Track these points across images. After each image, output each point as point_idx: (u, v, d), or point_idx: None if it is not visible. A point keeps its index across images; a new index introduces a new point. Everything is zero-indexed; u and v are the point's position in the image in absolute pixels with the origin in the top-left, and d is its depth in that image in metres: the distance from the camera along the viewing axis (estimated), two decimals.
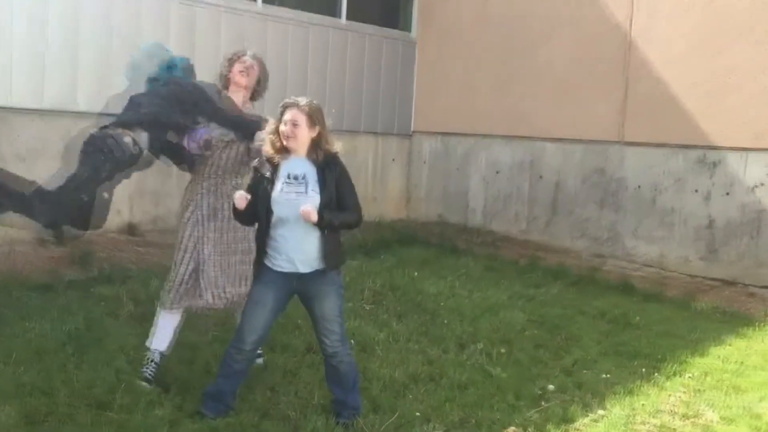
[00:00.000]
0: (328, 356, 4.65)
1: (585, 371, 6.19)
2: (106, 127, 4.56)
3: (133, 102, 4.66)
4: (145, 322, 6.16)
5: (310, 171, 4.46)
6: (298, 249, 4.47)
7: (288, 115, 4.43)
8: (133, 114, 4.57)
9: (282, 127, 4.44)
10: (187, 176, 5.27)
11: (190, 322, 6.24)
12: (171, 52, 4.99)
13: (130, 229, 9.55)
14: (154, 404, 4.74)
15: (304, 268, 4.49)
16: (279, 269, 4.49)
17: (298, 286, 4.54)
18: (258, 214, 4.48)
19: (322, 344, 4.65)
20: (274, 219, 4.45)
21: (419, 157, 13.02)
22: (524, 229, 11.68)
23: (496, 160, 12.08)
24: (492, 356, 6.24)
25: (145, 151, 4.66)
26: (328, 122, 4.56)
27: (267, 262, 4.51)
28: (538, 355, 6.46)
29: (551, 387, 5.75)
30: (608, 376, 6.10)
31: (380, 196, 12.50)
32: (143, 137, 4.62)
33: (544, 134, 11.42)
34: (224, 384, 4.65)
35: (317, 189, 4.43)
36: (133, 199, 9.77)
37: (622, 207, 10.72)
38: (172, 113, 4.67)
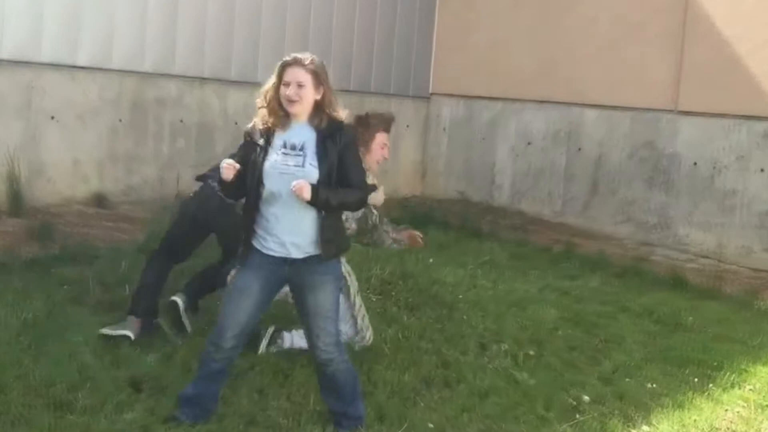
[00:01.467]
0: (322, 363, 4.62)
1: (627, 379, 6.15)
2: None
3: None
4: (114, 309, 6.19)
5: (309, 140, 4.43)
6: (292, 230, 4.44)
7: (290, 75, 4.39)
8: None
9: (284, 90, 4.39)
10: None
11: (165, 311, 6.24)
12: None
13: (99, 200, 9.56)
14: (123, 406, 4.72)
15: (297, 253, 4.46)
16: (269, 252, 4.46)
17: (290, 274, 4.51)
18: (247, 188, 4.45)
19: (314, 348, 4.61)
20: (265, 194, 4.42)
21: (438, 123, 13.02)
22: (559, 210, 11.67)
23: (527, 129, 12.06)
24: (518, 359, 6.21)
25: None
26: (332, 81, 4.53)
27: (256, 244, 4.49)
28: (572, 358, 6.43)
29: (587, 398, 5.72)
30: (654, 385, 6.07)
31: (391, 169, 12.47)
32: None
33: (585, 100, 11.39)
34: (202, 386, 4.63)
35: (316, 162, 4.39)
36: (103, 164, 9.79)
37: (675, 187, 10.69)
38: None
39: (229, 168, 4.39)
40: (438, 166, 13.04)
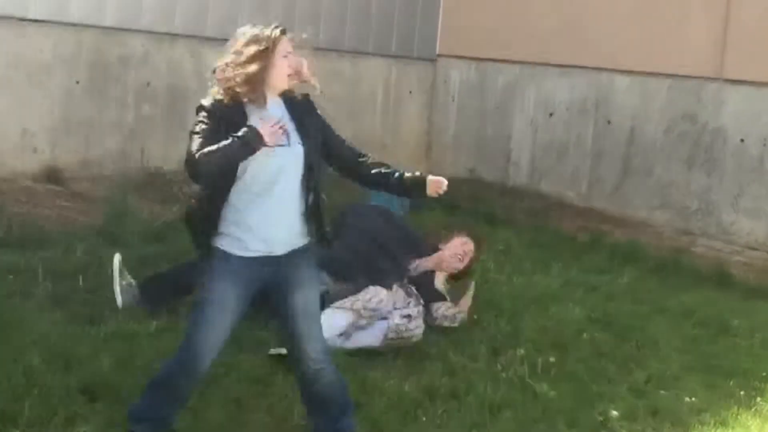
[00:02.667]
0: (311, 377, 4.57)
1: (662, 392, 6.16)
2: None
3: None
4: (67, 304, 6.19)
5: (285, 115, 4.44)
6: (278, 222, 4.40)
7: (286, 46, 4.43)
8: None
9: (285, 62, 4.41)
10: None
11: (127, 309, 6.22)
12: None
13: (51, 176, 9.52)
14: (76, 418, 4.70)
15: (281, 249, 4.43)
16: (246, 254, 4.39)
17: (270, 275, 4.46)
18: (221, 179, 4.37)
19: (302, 359, 4.55)
20: (247, 182, 4.34)
21: (446, 90, 12.99)
22: (585, 192, 11.66)
23: (548, 98, 12.04)
24: (537, 367, 6.20)
25: None
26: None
27: (228, 247, 4.40)
28: (599, 367, 6.43)
29: (616, 413, 5.71)
30: (694, 399, 6.06)
31: (391, 142, 12.45)
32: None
33: (615, 65, 11.37)
34: (159, 408, 4.57)
35: (300, 138, 4.42)
36: (57, 133, 9.75)
37: (719, 167, 10.67)
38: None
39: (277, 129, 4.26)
40: (445, 140, 13.01)
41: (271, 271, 4.43)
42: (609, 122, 11.54)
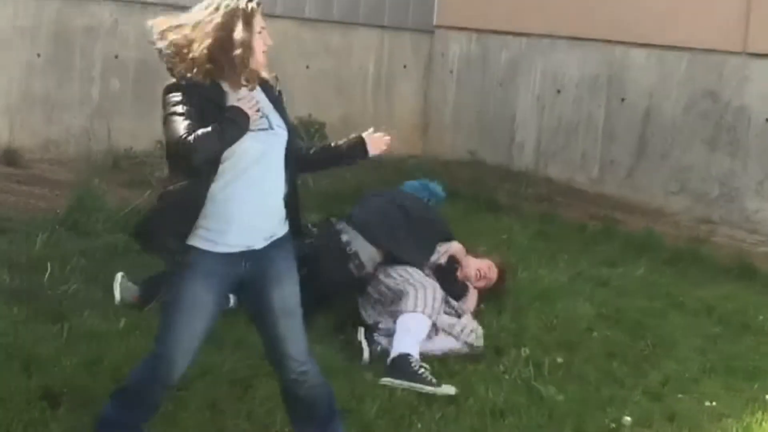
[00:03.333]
0: (294, 381, 4.55)
1: (680, 395, 6.16)
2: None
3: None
4: (27, 299, 6.15)
5: (261, 96, 4.45)
6: (261, 211, 4.38)
7: (261, 21, 4.40)
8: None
9: (260, 39, 4.37)
10: None
11: (93, 302, 6.21)
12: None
13: (9, 158, 9.51)
14: (36, 425, 4.69)
15: (260, 241, 4.41)
16: (224, 250, 4.36)
17: (249, 271, 4.44)
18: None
19: (283, 362, 4.53)
20: (225, 170, 4.28)
21: (444, 64, 13.01)
22: (596, 177, 11.67)
23: (557, 73, 12.06)
24: (543, 368, 6.21)
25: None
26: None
27: (201, 244, 4.37)
28: (611, 368, 6.43)
29: (629, 419, 5.71)
30: (714, 404, 6.05)
31: (383, 121, 12.30)
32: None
33: (630, 37, 11.38)
34: (129, 415, 4.53)
35: (280, 121, 4.45)
36: (16, 111, 9.71)
37: (743, 149, 10.69)
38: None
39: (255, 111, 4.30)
40: (443, 119, 13.02)
41: (248, 266, 4.42)
42: (623, 100, 11.55)
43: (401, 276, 6.52)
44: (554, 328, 6.87)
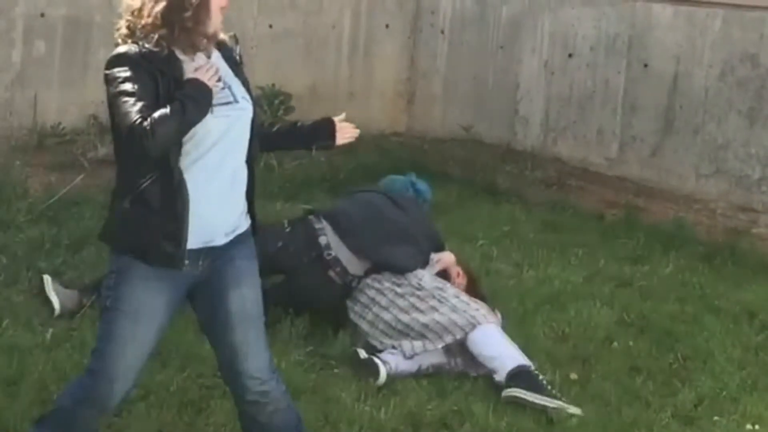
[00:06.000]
0: (254, 403, 4.58)
1: (716, 418, 6.18)
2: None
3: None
4: None
5: (221, 63, 4.50)
6: (224, 202, 4.44)
7: None
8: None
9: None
10: None
11: (14, 310, 6.19)
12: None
13: None
14: None
15: (221, 238, 4.45)
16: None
17: (205, 271, 4.47)
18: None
19: (239, 383, 4.57)
20: (186, 157, 4.30)
21: (433, 23, 13.03)
22: (614, 156, 11.68)
23: (568, 34, 12.07)
24: (554, 386, 6.21)
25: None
26: None
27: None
28: (634, 386, 6.47)
29: None
30: (757, 427, 6.10)
31: (361, 90, 12.46)
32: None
33: None
34: None
35: (245, 92, 4.51)
36: None
37: None
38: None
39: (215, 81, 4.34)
40: (432, 89, 13.04)
41: (205, 266, 4.42)
42: (646, 66, 11.56)
43: (425, 290, 6.67)
44: (567, 338, 6.94)
